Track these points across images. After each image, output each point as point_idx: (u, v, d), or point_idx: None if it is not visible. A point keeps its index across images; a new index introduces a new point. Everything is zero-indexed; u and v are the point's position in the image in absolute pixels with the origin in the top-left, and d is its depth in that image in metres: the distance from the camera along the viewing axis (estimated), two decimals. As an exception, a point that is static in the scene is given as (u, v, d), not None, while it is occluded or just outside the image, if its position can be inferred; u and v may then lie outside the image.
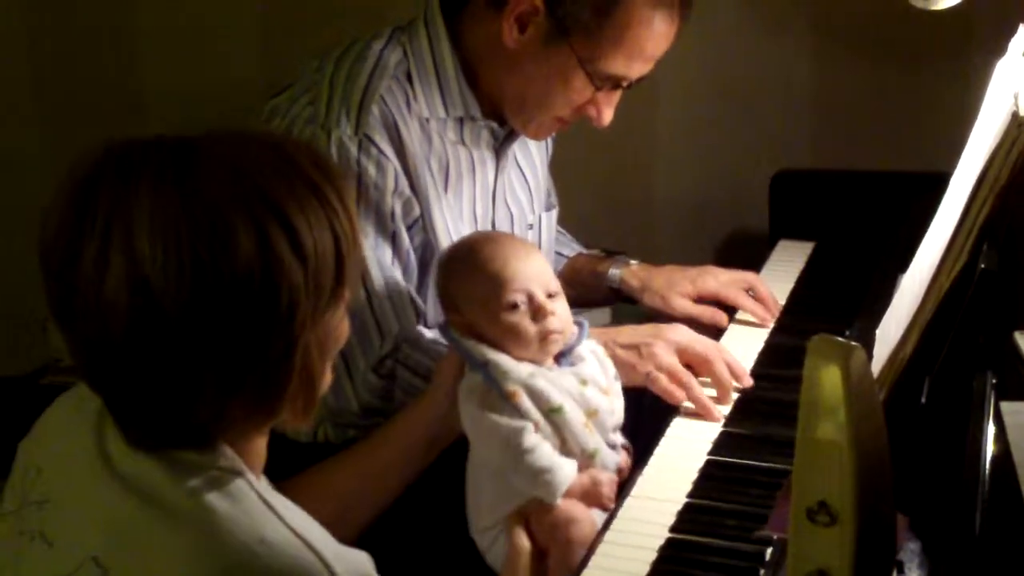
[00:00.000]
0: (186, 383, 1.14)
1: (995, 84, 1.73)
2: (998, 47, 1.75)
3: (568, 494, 1.60)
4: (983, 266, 1.44)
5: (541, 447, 1.60)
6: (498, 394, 1.63)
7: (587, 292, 2.27)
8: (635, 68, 1.92)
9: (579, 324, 1.72)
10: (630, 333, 1.87)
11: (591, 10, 1.85)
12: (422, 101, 1.93)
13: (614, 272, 2.23)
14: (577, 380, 1.67)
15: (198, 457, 1.18)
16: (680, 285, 2.18)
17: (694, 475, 1.66)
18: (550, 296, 1.67)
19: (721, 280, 2.19)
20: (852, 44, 2.77)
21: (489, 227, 2.07)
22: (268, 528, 1.15)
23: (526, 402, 1.62)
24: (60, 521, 1.23)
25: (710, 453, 1.72)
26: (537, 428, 1.61)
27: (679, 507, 1.58)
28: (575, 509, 1.60)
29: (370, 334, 1.86)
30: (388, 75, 1.90)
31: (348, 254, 1.19)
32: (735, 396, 1.86)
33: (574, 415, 1.64)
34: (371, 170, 1.85)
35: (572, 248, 2.37)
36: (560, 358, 1.69)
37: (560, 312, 1.67)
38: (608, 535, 1.53)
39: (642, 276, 2.21)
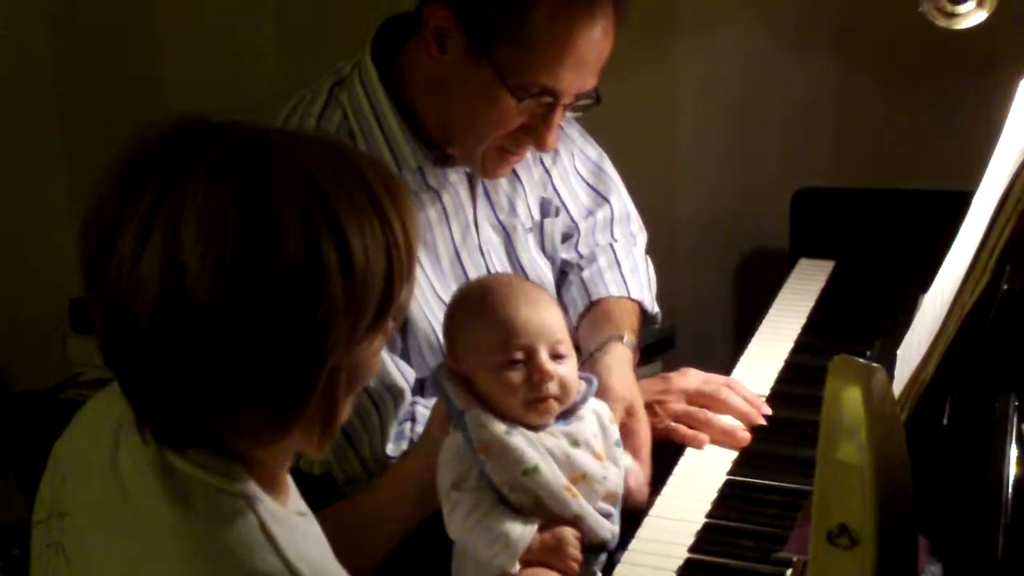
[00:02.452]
0: (201, 377, 1.10)
1: (1019, 102, 1.72)
2: (1022, 65, 1.74)
3: (529, 554, 1.50)
4: (1006, 287, 1.42)
5: (488, 515, 1.51)
6: (470, 456, 1.53)
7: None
8: (562, 79, 1.74)
9: (587, 381, 1.64)
10: (640, 390, 1.82)
11: (503, 19, 1.71)
12: None
13: (598, 352, 1.90)
14: (567, 441, 1.57)
15: (205, 475, 1.14)
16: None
17: (713, 495, 1.65)
18: (556, 357, 1.58)
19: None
20: (874, 61, 2.76)
21: (479, 254, 1.95)
22: (260, 560, 1.11)
23: (494, 461, 1.52)
24: (76, 536, 1.21)
25: (729, 473, 1.71)
26: (508, 489, 1.52)
27: (698, 527, 1.58)
28: (536, 574, 1.51)
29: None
30: None
31: (398, 283, 1.14)
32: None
33: (553, 477, 1.53)
34: None
35: (606, 288, 2.09)
36: (558, 415, 1.59)
37: (564, 374, 1.57)
38: (627, 555, 1.53)
39: (604, 373, 1.83)
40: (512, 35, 1.71)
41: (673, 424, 1.81)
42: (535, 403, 1.56)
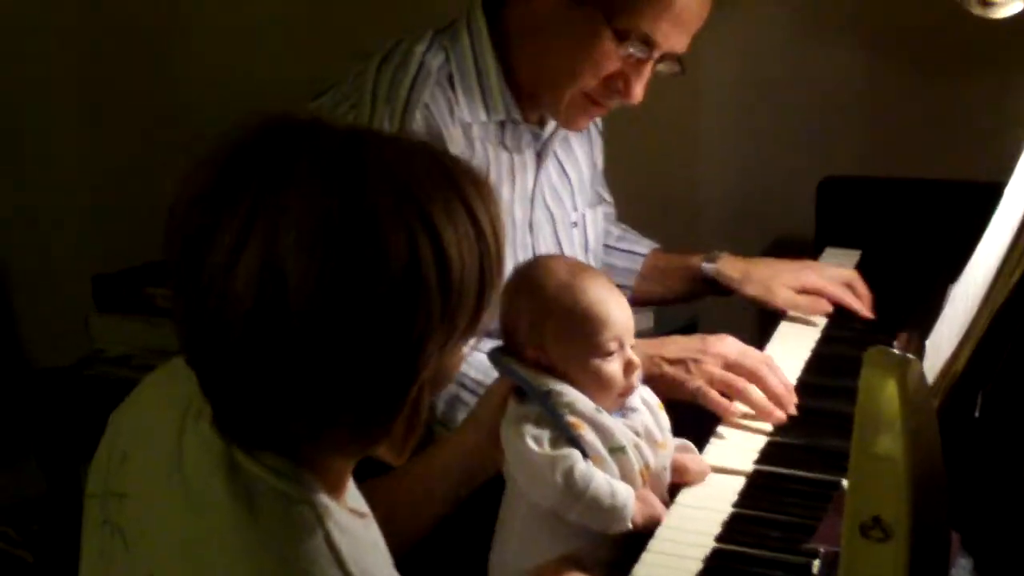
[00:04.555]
0: (290, 393, 1.08)
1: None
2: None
3: (632, 523, 1.53)
4: (1040, 280, 1.42)
5: (597, 475, 1.51)
6: (554, 425, 1.54)
7: (677, 286, 2.28)
8: (663, 30, 1.86)
9: None
10: (677, 347, 1.84)
11: None
12: (464, 106, 1.92)
13: (708, 265, 2.23)
14: (631, 432, 1.58)
15: (274, 479, 1.12)
16: (782, 276, 2.18)
17: (740, 485, 1.64)
18: (633, 346, 1.61)
19: (825, 275, 2.20)
20: (903, 50, 2.74)
21: (527, 230, 2.04)
22: (319, 570, 1.09)
23: (590, 434, 1.54)
24: (136, 523, 1.19)
25: (756, 463, 1.70)
26: (600, 464, 1.53)
27: (725, 517, 1.57)
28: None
29: None
30: (431, 81, 1.89)
31: (489, 290, 1.13)
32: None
33: (635, 459, 1.56)
34: None
35: (644, 244, 2.35)
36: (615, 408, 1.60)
37: (639, 364, 1.61)
38: (653, 544, 1.52)
39: (741, 267, 2.21)
40: None
41: (705, 388, 1.80)
42: (623, 394, 1.59)
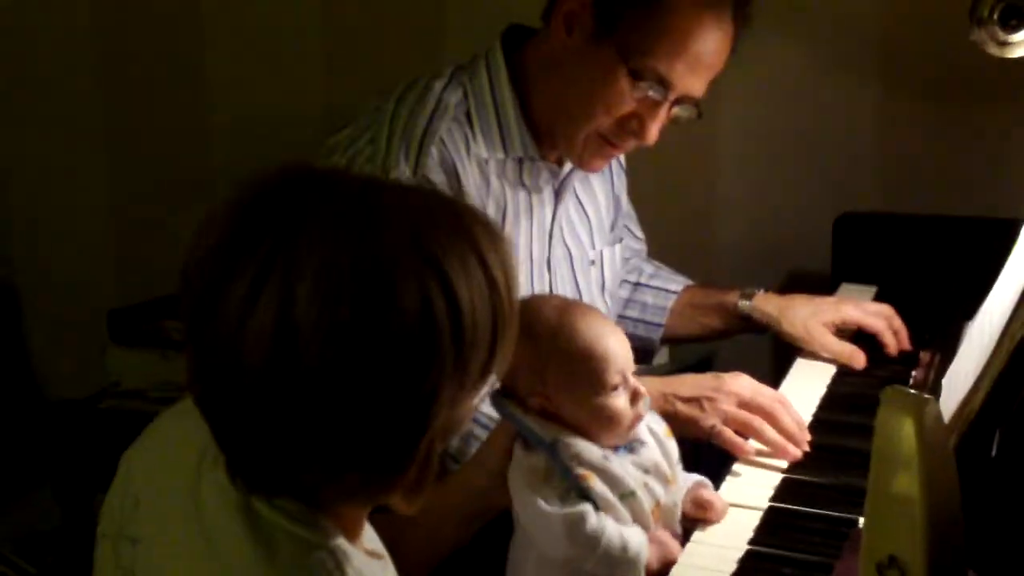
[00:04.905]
0: (304, 443, 1.08)
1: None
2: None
3: (648, 567, 1.52)
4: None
5: (608, 526, 1.50)
6: (561, 477, 1.52)
7: (712, 323, 2.27)
8: (679, 72, 1.85)
9: None
10: (691, 385, 1.83)
11: (634, 4, 1.82)
12: (481, 142, 1.92)
13: (744, 302, 2.22)
14: (639, 470, 1.57)
15: (292, 525, 1.12)
16: (822, 315, 2.16)
17: (756, 522, 1.64)
18: (634, 375, 1.59)
19: (865, 309, 2.19)
20: (919, 86, 2.75)
21: (545, 268, 2.03)
22: None
23: (599, 485, 1.52)
24: (150, 569, 1.19)
25: (772, 500, 1.69)
26: (613, 512, 1.51)
27: (740, 554, 1.56)
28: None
29: None
30: (448, 116, 1.89)
31: (501, 340, 1.13)
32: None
33: (646, 501, 1.55)
34: None
35: (677, 281, 2.34)
36: (620, 445, 1.59)
37: (645, 392, 1.58)
38: (669, 581, 1.52)
39: (778, 303, 2.20)
40: (639, 22, 1.83)
41: (720, 426, 1.79)
42: (631, 426, 1.57)
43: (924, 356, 2.08)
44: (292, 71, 3.11)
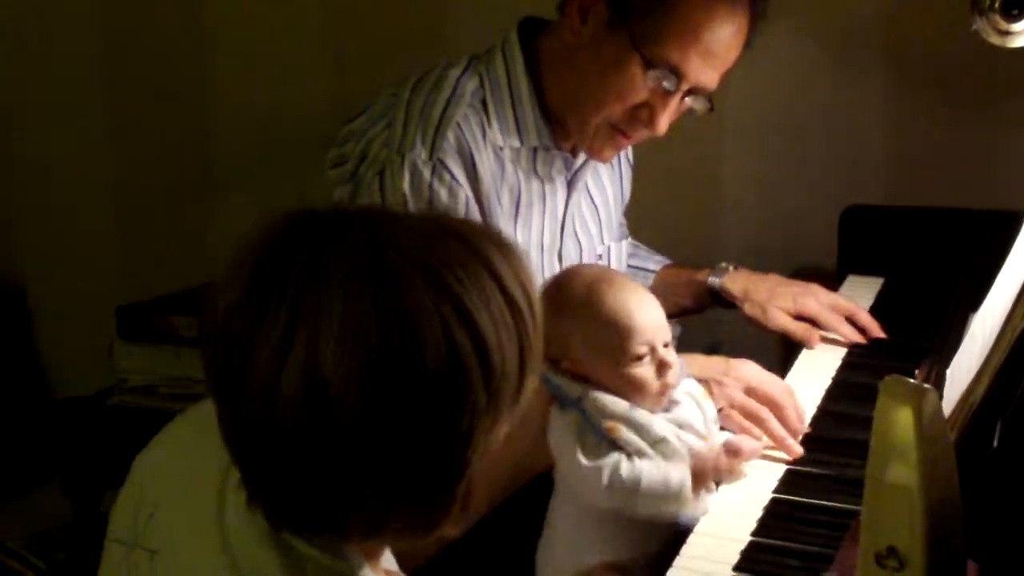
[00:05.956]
0: (342, 497, 1.09)
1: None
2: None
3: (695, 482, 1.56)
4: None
5: (643, 470, 1.54)
6: (595, 432, 1.57)
7: (684, 300, 2.29)
8: (692, 62, 1.87)
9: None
10: (700, 366, 1.84)
11: None
12: (497, 130, 1.93)
13: (714, 279, 2.24)
14: (673, 425, 1.61)
15: (323, 557, 1.12)
16: (781, 299, 2.18)
17: (759, 513, 1.64)
18: (666, 346, 1.62)
19: (822, 302, 2.19)
20: (925, 78, 2.74)
21: (556, 258, 2.06)
22: None
23: (627, 433, 1.57)
24: None
25: (775, 491, 1.69)
26: (643, 456, 1.56)
27: (743, 545, 1.56)
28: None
29: None
30: (465, 103, 1.91)
31: (529, 366, 1.13)
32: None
33: (679, 445, 1.59)
34: (443, 195, 1.86)
35: (655, 261, 2.37)
36: None
37: (674, 361, 1.62)
38: (671, 572, 1.52)
39: (743, 283, 2.22)
40: (653, 11, 1.85)
41: (728, 410, 1.79)
42: (660, 393, 1.60)
43: (923, 365, 2.07)
44: (298, 68, 3.11)
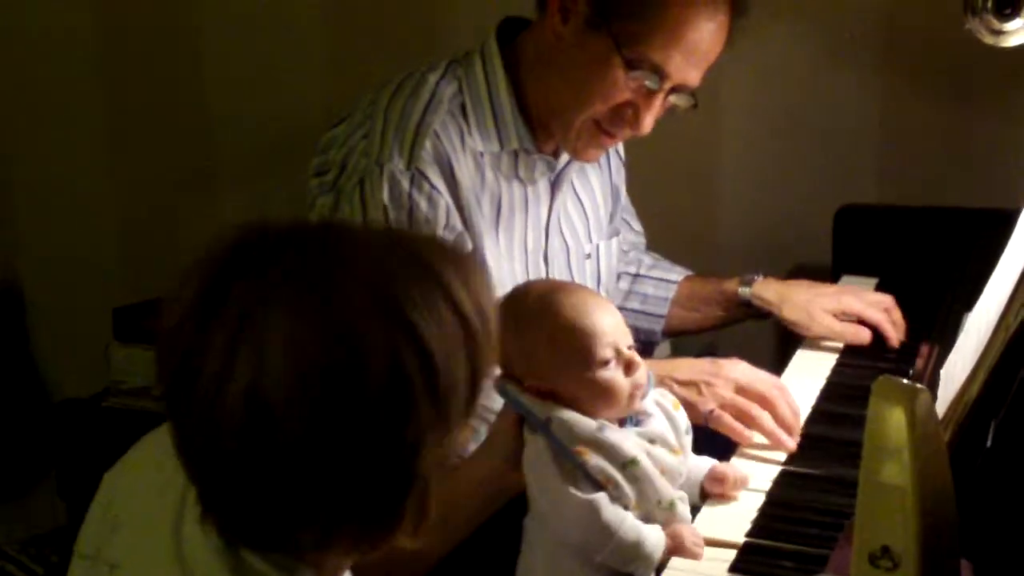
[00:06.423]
0: (292, 510, 1.08)
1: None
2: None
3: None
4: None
5: (624, 519, 1.51)
6: (568, 456, 1.53)
7: (713, 312, 2.28)
8: (675, 61, 1.84)
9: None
10: (688, 369, 1.84)
11: None
12: (476, 135, 1.92)
13: (744, 289, 2.22)
14: (644, 440, 1.57)
15: (270, 570, 1.11)
16: (822, 300, 2.17)
17: (753, 514, 1.64)
18: (629, 347, 1.59)
19: (864, 300, 2.19)
20: (920, 78, 2.74)
21: (542, 260, 2.04)
22: None
23: (595, 458, 1.52)
24: None
25: (770, 492, 1.70)
26: (613, 485, 1.52)
27: (738, 547, 1.56)
28: None
29: None
30: (443, 109, 1.89)
31: (480, 377, 1.12)
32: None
33: (650, 467, 1.55)
34: (422, 204, 1.83)
35: (677, 272, 2.34)
36: (625, 418, 1.59)
37: (642, 362, 1.59)
38: (666, 574, 1.52)
39: (778, 290, 2.20)
40: (634, 9, 1.82)
41: (719, 411, 1.79)
42: (632, 396, 1.57)
43: (924, 347, 2.08)
44: (294, 68, 3.11)
